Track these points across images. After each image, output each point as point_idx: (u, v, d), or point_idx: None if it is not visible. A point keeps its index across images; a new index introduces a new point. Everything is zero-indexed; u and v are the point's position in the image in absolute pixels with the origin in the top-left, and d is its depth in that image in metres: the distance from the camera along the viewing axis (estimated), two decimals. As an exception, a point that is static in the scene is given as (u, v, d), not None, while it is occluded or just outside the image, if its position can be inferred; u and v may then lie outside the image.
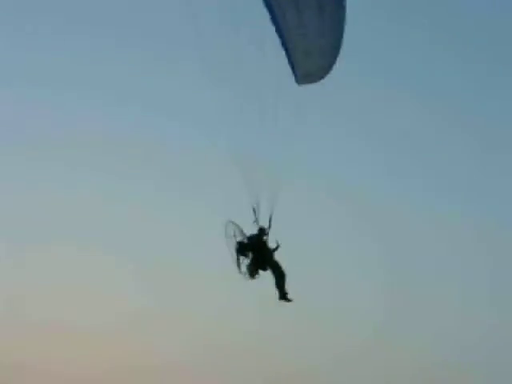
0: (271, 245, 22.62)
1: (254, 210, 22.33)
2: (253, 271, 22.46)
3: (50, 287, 44.77)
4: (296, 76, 21.23)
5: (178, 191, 48.54)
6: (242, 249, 22.65)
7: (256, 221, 22.37)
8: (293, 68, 21.16)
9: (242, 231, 22.99)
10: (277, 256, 21.80)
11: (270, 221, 22.38)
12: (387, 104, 53.53)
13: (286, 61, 20.78)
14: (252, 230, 22.52)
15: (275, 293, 22.43)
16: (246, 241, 22.70)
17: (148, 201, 48.16)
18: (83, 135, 49.64)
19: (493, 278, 48.97)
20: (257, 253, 22.61)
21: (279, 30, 20.60)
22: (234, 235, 22.78)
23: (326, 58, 21.42)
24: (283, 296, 22.67)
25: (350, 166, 52.23)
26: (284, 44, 20.82)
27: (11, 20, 52.85)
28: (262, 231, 22.62)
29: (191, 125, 49.39)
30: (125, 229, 46.58)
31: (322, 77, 21.59)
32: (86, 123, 50.22)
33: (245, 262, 22.62)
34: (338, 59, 21.72)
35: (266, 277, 21.55)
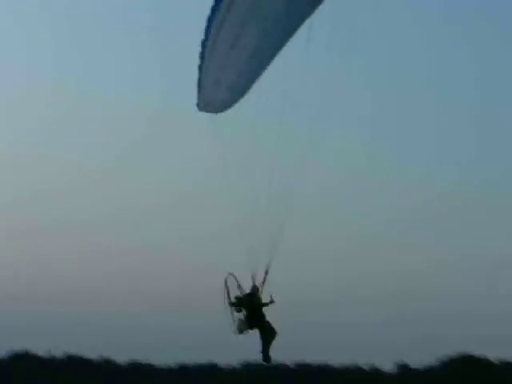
0: (265, 299, 23.24)
1: (253, 278, 22.93)
2: (243, 328, 23.12)
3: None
4: (198, 100, 20.94)
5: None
6: (238, 304, 23.18)
7: (253, 283, 22.94)
8: (199, 91, 20.71)
9: (239, 285, 23.51)
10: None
11: (266, 274, 22.75)
12: None
13: None
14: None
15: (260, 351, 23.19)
16: (242, 297, 23.21)
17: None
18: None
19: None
20: (250, 312, 23.21)
21: (206, 47, 19.89)
22: (229, 291, 23.28)
23: (233, 94, 20.68)
24: (265, 358, 23.51)
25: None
26: (202, 62, 20.10)
27: None
28: (256, 290, 23.27)
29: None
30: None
31: (221, 110, 20.92)
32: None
33: (237, 316, 23.30)
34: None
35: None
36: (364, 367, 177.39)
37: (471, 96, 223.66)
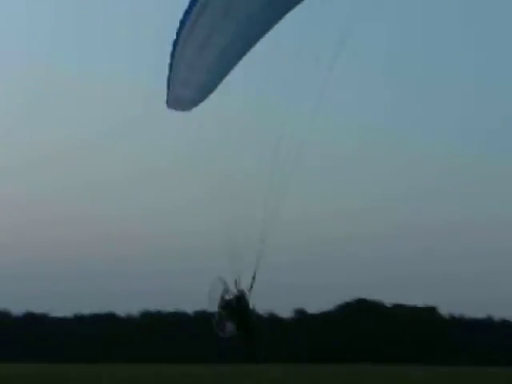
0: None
1: (236, 282, 22.32)
2: (230, 329, 22.34)
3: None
4: (168, 97, 20.62)
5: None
6: (227, 308, 22.40)
7: (237, 286, 22.28)
8: (168, 89, 20.44)
9: (227, 290, 22.70)
10: None
11: (253, 278, 22.24)
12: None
13: None
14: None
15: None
16: (231, 300, 22.50)
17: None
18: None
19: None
20: (239, 315, 22.48)
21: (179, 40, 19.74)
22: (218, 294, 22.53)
23: (201, 93, 20.71)
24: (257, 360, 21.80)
25: None
26: (172, 62, 20.05)
27: None
28: (242, 294, 22.56)
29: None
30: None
31: (189, 108, 20.88)
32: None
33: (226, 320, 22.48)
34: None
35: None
36: (262, 313, 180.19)
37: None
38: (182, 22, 19.22)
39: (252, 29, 19.55)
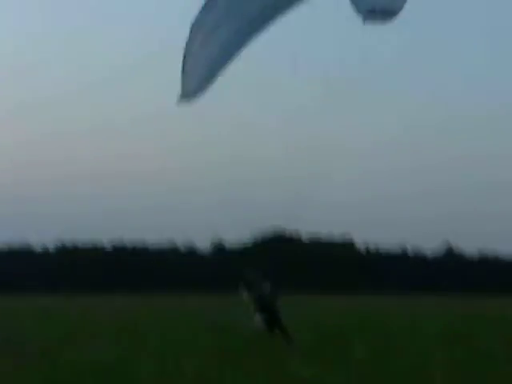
0: None
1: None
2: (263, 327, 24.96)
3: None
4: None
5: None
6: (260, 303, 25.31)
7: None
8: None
9: (259, 282, 25.75)
10: None
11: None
12: None
13: None
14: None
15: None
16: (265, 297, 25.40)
17: None
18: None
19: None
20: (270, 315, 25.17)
21: None
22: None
23: (201, 85, 20.69)
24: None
25: None
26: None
27: None
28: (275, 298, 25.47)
29: None
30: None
31: (191, 99, 20.63)
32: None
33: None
34: None
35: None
36: (180, 247, 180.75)
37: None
38: (194, 19, 19.98)
39: (252, 26, 20.12)
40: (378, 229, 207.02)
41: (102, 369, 20.20)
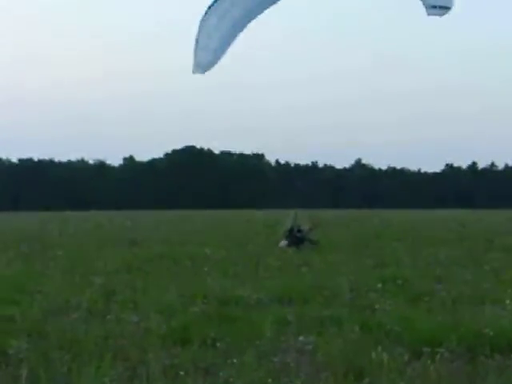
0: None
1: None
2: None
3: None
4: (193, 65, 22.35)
5: None
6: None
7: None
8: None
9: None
10: None
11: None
12: None
13: None
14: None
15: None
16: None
17: None
18: None
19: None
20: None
21: None
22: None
23: (215, 57, 22.36)
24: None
25: None
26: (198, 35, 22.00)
27: None
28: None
29: None
30: None
31: (206, 70, 22.27)
32: None
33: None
34: None
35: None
36: (90, 161, 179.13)
37: None
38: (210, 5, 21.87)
39: (262, 6, 21.89)
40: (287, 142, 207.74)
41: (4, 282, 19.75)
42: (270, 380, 9.79)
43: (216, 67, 22.53)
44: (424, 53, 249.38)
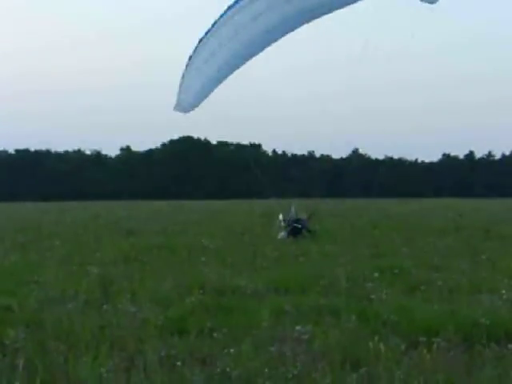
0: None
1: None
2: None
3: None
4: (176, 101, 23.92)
5: None
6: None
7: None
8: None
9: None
10: None
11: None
12: None
13: None
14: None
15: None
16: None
17: None
18: None
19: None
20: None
21: None
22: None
23: (198, 99, 23.86)
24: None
25: None
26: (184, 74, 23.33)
27: None
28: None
29: None
30: None
31: (187, 110, 24.03)
32: None
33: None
34: None
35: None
36: (87, 152, 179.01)
37: None
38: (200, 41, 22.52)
39: (252, 50, 22.52)
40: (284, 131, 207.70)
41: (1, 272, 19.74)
42: (266, 370, 9.78)
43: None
44: (422, 42, 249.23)
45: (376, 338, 11.19)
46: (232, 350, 10.71)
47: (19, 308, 14.14)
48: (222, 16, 22.45)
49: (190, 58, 23.66)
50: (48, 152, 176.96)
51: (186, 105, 23.56)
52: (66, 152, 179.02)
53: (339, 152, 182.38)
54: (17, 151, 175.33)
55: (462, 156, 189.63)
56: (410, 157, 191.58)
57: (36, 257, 24.01)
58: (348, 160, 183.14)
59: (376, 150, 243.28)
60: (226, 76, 23.66)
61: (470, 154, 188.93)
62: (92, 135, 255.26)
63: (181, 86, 23.89)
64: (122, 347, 11.11)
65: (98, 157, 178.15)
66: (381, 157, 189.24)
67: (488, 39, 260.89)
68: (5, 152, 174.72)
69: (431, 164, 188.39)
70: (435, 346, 10.97)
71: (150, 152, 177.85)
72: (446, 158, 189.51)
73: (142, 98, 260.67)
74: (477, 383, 9.65)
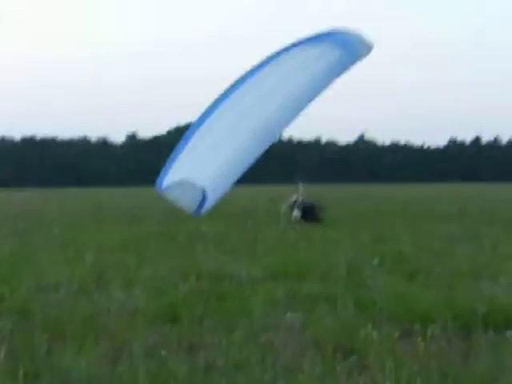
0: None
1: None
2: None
3: None
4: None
5: None
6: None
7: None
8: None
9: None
10: None
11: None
12: None
13: None
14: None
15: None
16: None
17: None
18: None
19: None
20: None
21: None
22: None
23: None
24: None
25: None
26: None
27: None
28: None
29: None
30: None
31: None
32: None
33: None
34: None
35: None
36: (93, 139, 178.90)
37: None
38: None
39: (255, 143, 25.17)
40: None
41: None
42: (254, 359, 9.53)
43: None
44: (428, 25, 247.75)
45: (369, 326, 10.94)
46: (221, 339, 10.47)
47: (10, 296, 13.91)
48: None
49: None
50: (53, 139, 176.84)
51: (163, 189, 25.97)
52: (72, 139, 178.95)
53: (345, 137, 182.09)
54: (23, 138, 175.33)
55: (468, 141, 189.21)
56: (417, 142, 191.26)
57: (33, 244, 23.80)
58: (354, 145, 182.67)
59: (382, 135, 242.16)
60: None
61: (477, 139, 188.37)
62: (98, 122, 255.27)
63: (167, 165, 25.73)
64: (110, 336, 10.87)
65: (104, 143, 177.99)
66: (387, 142, 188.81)
67: (498, 18, 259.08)
68: (10, 139, 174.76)
69: (437, 149, 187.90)
70: (430, 333, 10.72)
71: (156, 139, 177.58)
72: (453, 142, 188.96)
73: (148, 85, 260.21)
74: (471, 371, 9.39)
